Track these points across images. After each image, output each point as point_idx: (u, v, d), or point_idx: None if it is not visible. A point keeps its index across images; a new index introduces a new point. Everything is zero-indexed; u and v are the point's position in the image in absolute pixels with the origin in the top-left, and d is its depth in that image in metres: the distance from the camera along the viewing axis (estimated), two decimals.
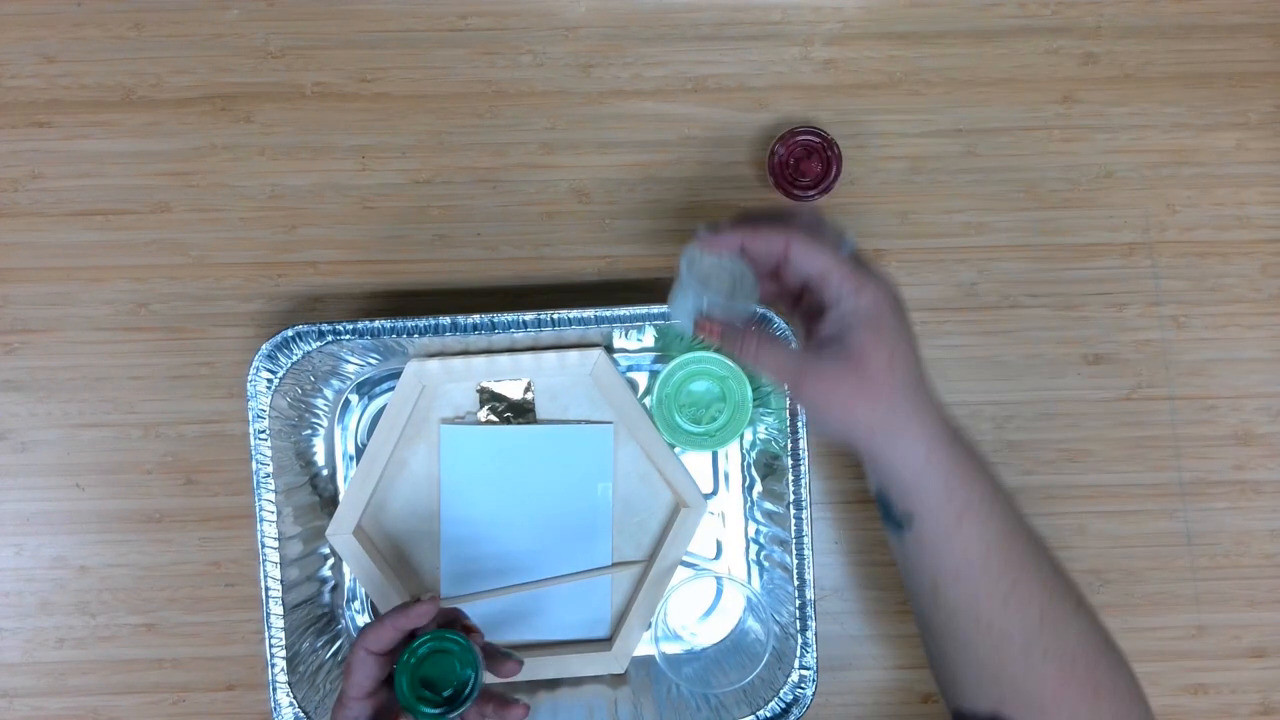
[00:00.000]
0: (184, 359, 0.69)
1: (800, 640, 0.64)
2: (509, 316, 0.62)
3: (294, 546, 0.64)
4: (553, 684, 0.67)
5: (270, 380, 0.62)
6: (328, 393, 0.67)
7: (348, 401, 0.68)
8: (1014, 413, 0.70)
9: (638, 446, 0.67)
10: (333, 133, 0.69)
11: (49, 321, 0.69)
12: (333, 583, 0.68)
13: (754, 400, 0.67)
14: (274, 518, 0.62)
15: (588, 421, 0.68)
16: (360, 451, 0.68)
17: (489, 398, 0.68)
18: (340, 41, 0.69)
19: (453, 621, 0.56)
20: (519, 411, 0.68)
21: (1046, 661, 0.49)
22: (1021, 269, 0.70)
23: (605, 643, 0.68)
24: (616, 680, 0.67)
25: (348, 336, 0.62)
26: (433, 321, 0.62)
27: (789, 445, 0.64)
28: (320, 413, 0.67)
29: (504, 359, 0.65)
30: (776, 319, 0.63)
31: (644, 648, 0.68)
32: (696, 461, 0.69)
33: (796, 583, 0.64)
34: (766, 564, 0.68)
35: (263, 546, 0.62)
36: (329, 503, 0.67)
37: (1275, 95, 0.70)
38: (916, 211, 0.70)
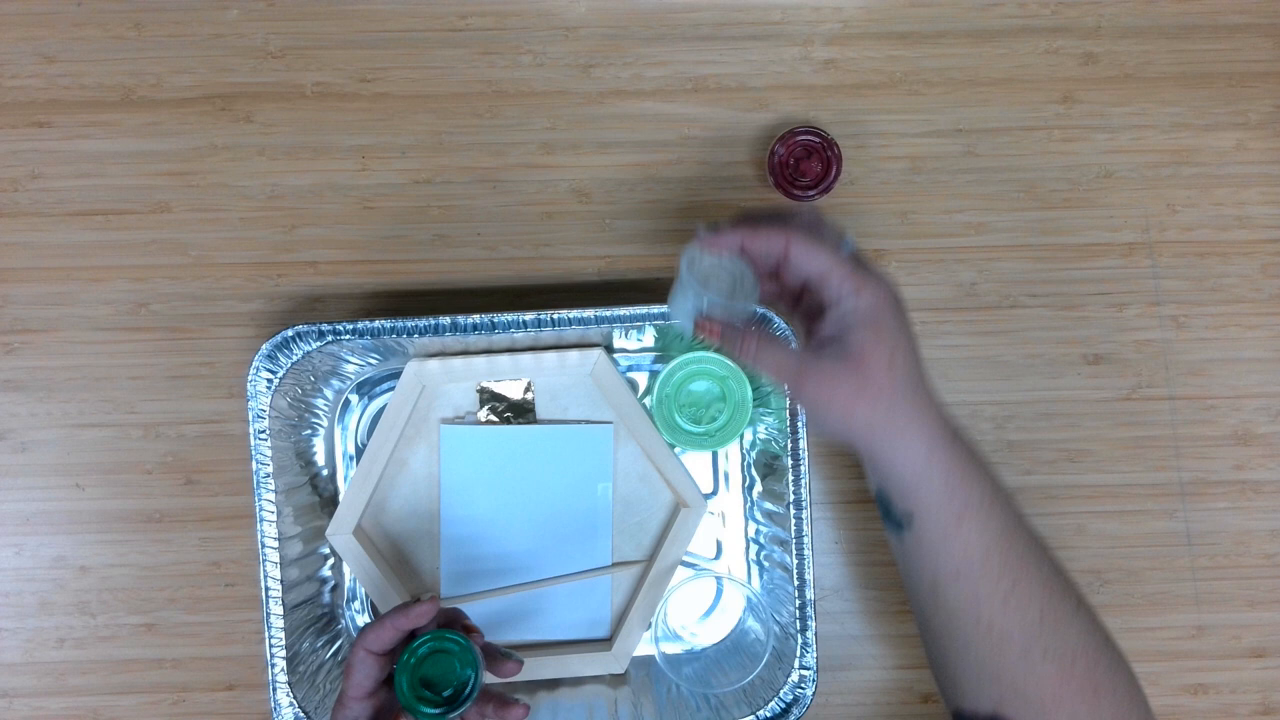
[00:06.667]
0: (184, 359, 0.69)
1: (800, 640, 0.64)
2: (509, 316, 0.62)
3: (294, 546, 0.64)
4: (553, 684, 0.67)
5: (270, 380, 0.62)
6: (328, 393, 0.67)
7: (348, 401, 0.68)
8: (1014, 413, 0.70)
9: (638, 446, 0.67)
10: (333, 133, 0.69)
11: (49, 321, 0.69)
12: (333, 583, 0.68)
13: (754, 400, 0.67)
14: (274, 518, 0.62)
15: (588, 421, 0.68)
16: (360, 451, 0.68)
17: (489, 398, 0.68)
18: (340, 41, 0.69)
19: (453, 621, 0.56)
20: (519, 411, 0.68)
21: (1046, 661, 0.49)
22: (1021, 269, 0.70)
23: (605, 643, 0.68)
24: (616, 680, 0.67)
25: (348, 336, 0.62)
26: (433, 321, 0.62)
27: (789, 445, 0.64)
28: (320, 413, 0.67)
29: (504, 359, 0.65)
30: (776, 319, 0.63)
31: (644, 648, 0.68)
32: (696, 461, 0.69)
33: (796, 583, 0.64)
34: (766, 564, 0.68)
35: (263, 546, 0.62)
36: (329, 503, 0.67)
37: (1275, 95, 0.70)
38: (916, 211, 0.70)
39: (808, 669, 0.64)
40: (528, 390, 0.68)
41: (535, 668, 0.65)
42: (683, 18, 0.69)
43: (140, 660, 0.69)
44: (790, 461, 0.64)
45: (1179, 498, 0.70)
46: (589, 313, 0.62)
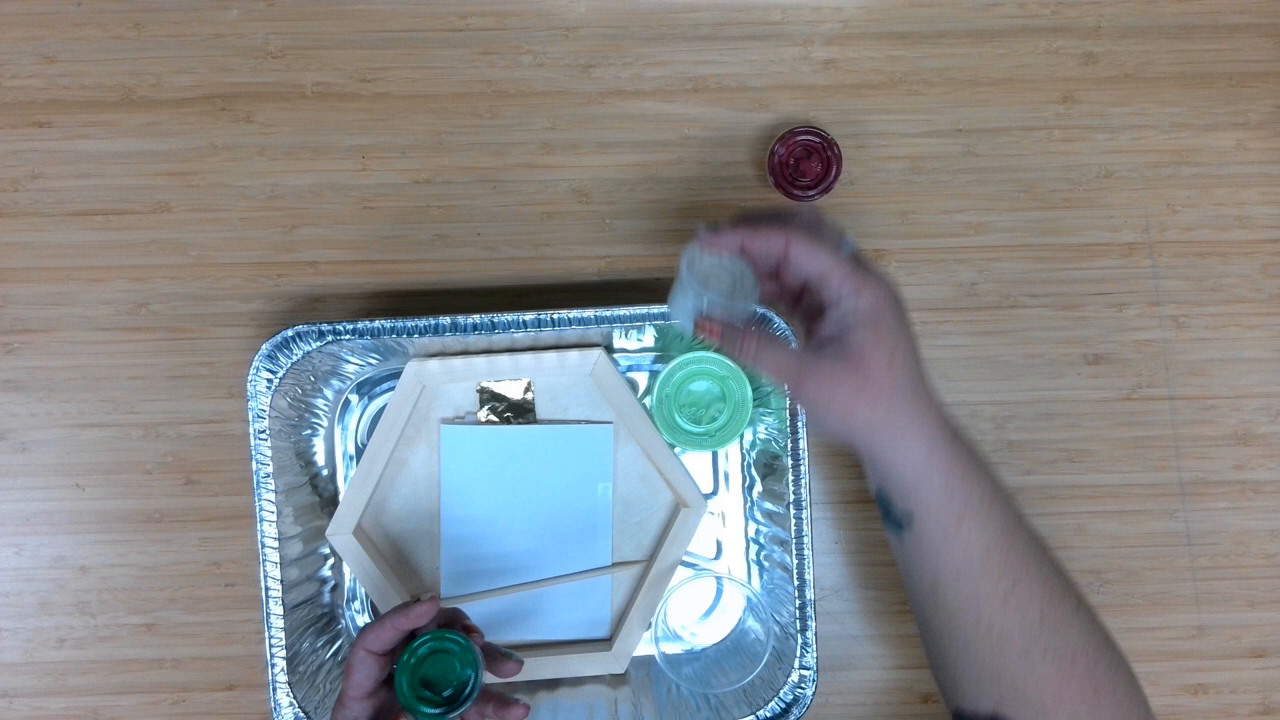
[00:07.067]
0: (184, 359, 0.69)
1: (800, 640, 0.64)
2: (509, 316, 0.62)
3: (294, 546, 0.64)
4: (553, 684, 0.67)
5: (270, 380, 0.62)
6: (328, 393, 0.67)
7: (348, 401, 0.68)
8: (1014, 413, 0.70)
9: (638, 446, 0.67)
10: (333, 133, 0.69)
11: (49, 321, 0.69)
12: (333, 583, 0.68)
13: (754, 400, 0.67)
14: (274, 518, 0.62)
15: (588, 421, 0.68)
16: (360, 451, 0.68)
17: (489, 398, 0.68)
18: (340, 41, 0.69)
19: (453, 621, 0.56)
20: (519, 411, 0.68)
21: (1046, 661, 0.49)
22: (1021, 269, 0.70)
23: (605, 643, 0.68)
24: (616, 680, 0.67)
25: (348, 336, 0.62)
26: (433, 321, 0.62)
27: (789, 445, 0.64)
28: (320, 413, 0.67)
29: (504, 359, 0.65)
30: (776, 319, 0.63)
31: (644, 648, 0.68)
32: (696, 461, 0.69)
33: (796, 583, 0.64)
34: (766, 564, 0.68)
35: (263, 546, 0.62)
36: (329, 503, 0.67)
37: (1275, 95, 0.70)
38: (916, 211, 0.70)
39: (808, 669, 0.64)
40: (528, 390, 0.68)
41: (535, 668, 0.65)
42: (683, 18, 0.69)
43: (140, 660, 0.69)
44: (790, 461, 0.64)
45: (1179, 498, 0.70)
46: (589, 313, 0.62)
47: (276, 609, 0.62)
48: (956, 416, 0.52)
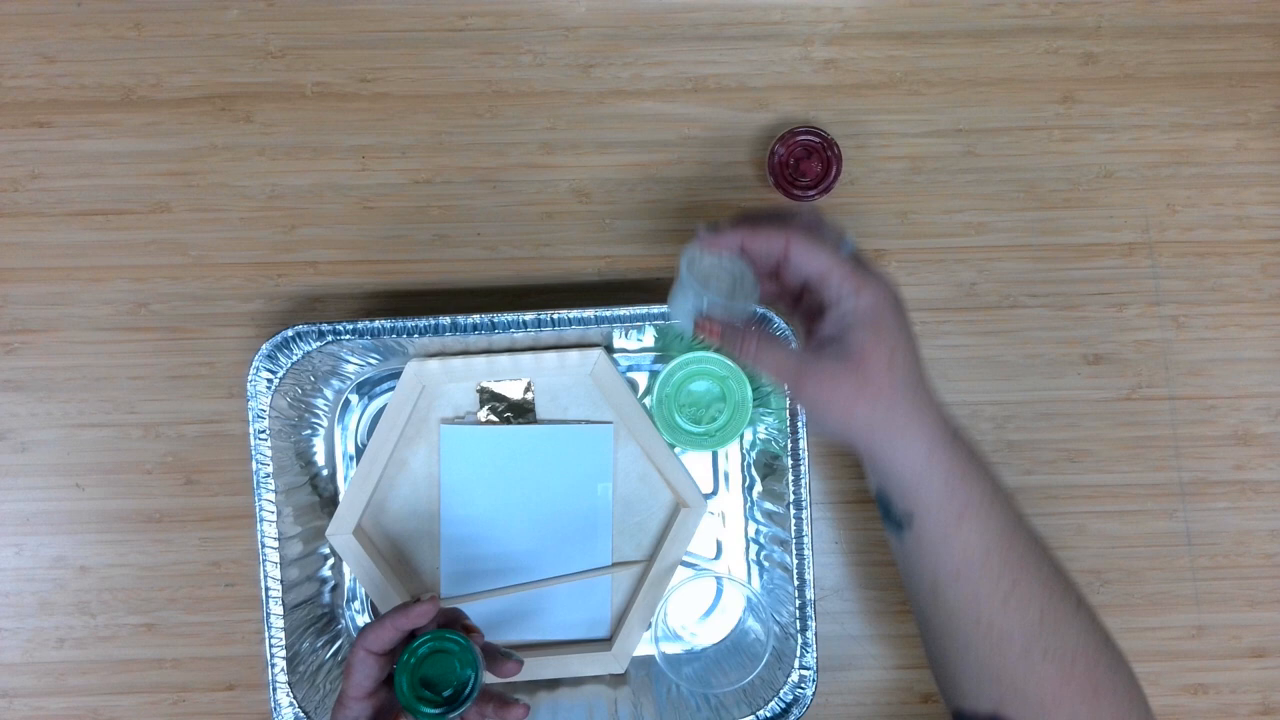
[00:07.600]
0: (184, 359, 0.69)
1: (800, 640, 0.64)
2: (509, 316, 0.62)
3: (294, 546, 0.64)
4: (553, 684, 0.67)
5: (270, 380, 0.62)
6: (328, 393, 0.67)
7: (348, 401, 0.68)
8: (1014, 413, 0.70)
9: (638, 446, 0.67)
10: (333, 133, 0.69)
11: (49, 321, 0.69)
12: (333, 583, 0.68)
13: (754, 400, 0.67)
14: (274, 518, 0.62)
15: (588, 421, 0.68)
16: (360, 451, 0.68)
17: (489, 398, 0.68)
18: (340, 41, 0.69)
19: (453, 621, 0.56)
20: (519, 411, 0.68)
21: (1046, 661, 0.49)
22: (1021, 269, 0.70)
23: (605, 643, 0.68)
24: (616, 680, 0.67)
25: (348, 336, 0.62)
26: (433, 321, 0.62)
27: (789, 445, 0.64)
28: (320, 413, 0.67)
29: (504, 359, 0.65)
30: (776, 319, 0.63)
31: (644, 648, 0.68)
32: (696, 461, 0.69)
33: (796, 583, 0.64)
34: (766, 564, 0.68)
35: (263, 546, 0.62)
36: (329, 503, 0.67)
37: (1275, 95, 0.70)
38: (916, 211, 0.70)
39: (808, 669, 0.64)
40: (528, 390, 0.68)
41: (535, 668, 0.65)
42: (683, 18, 0.69)
43: (140, 660, 0.69)
44: (790, 461, 0.64)
45: (1179, 498, 0.70)
46: (589, 313, 0.62)
47: (276, 609, 0.62)
48: (956, 416, 0.52)
